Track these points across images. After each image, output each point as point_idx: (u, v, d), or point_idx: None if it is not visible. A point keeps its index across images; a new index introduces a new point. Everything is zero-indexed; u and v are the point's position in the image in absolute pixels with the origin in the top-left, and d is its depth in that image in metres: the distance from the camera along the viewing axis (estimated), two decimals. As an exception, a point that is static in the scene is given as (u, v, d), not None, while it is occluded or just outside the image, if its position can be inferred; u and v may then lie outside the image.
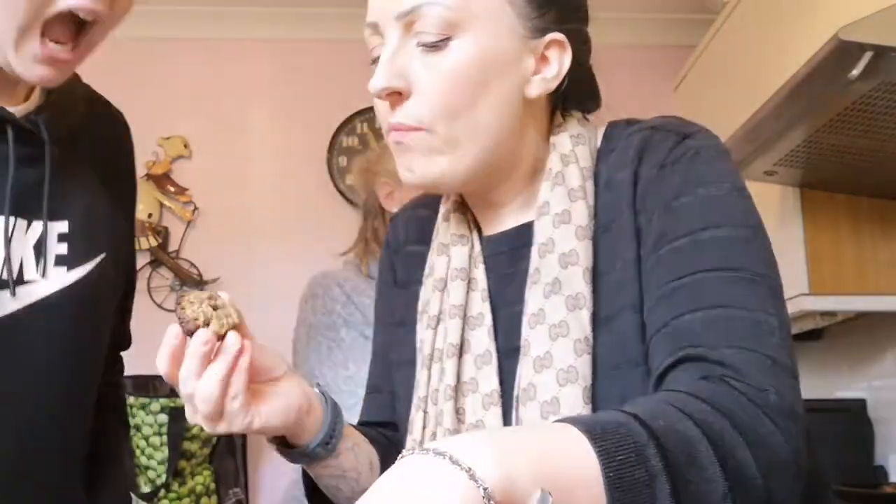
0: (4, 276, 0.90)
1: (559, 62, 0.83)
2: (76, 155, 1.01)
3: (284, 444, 0.86)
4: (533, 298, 0.80)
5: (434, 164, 0.81)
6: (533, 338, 0.78)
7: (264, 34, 3.16)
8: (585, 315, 0.77)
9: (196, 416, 0.76)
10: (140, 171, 3.01)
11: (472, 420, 0.81)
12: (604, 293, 0.79)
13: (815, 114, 1.68)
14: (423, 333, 0.88)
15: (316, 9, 3.12)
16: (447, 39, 0.79)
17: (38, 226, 0.94)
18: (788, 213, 2.11)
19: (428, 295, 0.89)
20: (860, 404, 2.41)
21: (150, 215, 3.00)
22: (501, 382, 0.82)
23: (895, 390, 2.33)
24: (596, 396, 0.76)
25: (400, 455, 0.54)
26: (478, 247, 0.88)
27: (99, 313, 1.02)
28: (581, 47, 0.86)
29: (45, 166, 0.94)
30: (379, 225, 1.84)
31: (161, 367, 0.77)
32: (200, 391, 0.74)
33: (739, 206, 0.78)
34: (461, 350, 0.84)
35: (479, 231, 0.90)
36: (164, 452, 2.50)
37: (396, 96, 0.81)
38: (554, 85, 0.83)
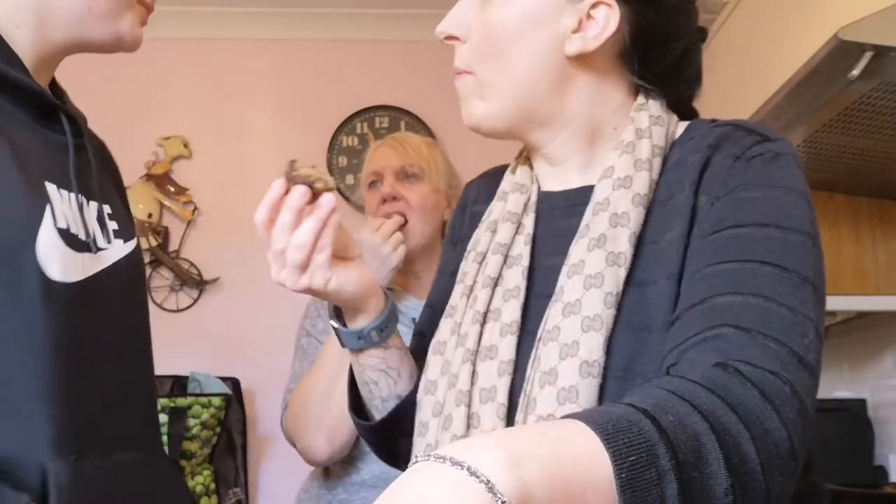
0: (87, 239, 0.99)
1: (605, 22, 0.87)
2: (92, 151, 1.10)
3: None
4: (577, 251, 0.84)
5: (475, 107, 0.91)
6: (568, 286, 0.82)
7: (264, 34, 3.16)
8: (622, 273, 0.81)
9: (282, 271, 0.86)
10: (140, 171, 3.03)
11: (487, 343, 0.86)
12: (644, 260, 0.82)
13: (815, 114, 1.68)
14: (468, 267, 0.94)
15: (316, 9, 3.12)
16: None
17: (94, 204, 1.03)
18: (788, 213, 2.11)
19: (480, 234, 0.95)
20: (860, 404, 2.41)
21: (150, 215, 3.00)
22: (525, 319, 0.86)
23: (895, 390, 2.33)
24: (611, 347, 0.79)
25: (413, 459, 0.54)
26: (534, 197, 0.94)
27: (144, 285, 1.14)
28: (649, 13, 0.89)
29: (90, 155, 1.04)
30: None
31: (260, 216, 0.85)
32: (295, 239, 0.84)
33: (805, 213, 0.80)
34: (496, 283, 0.89)
35: (540, 187, 0.96)
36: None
37: (455, 40, 0.91)
38: (594, 45, 0.87)
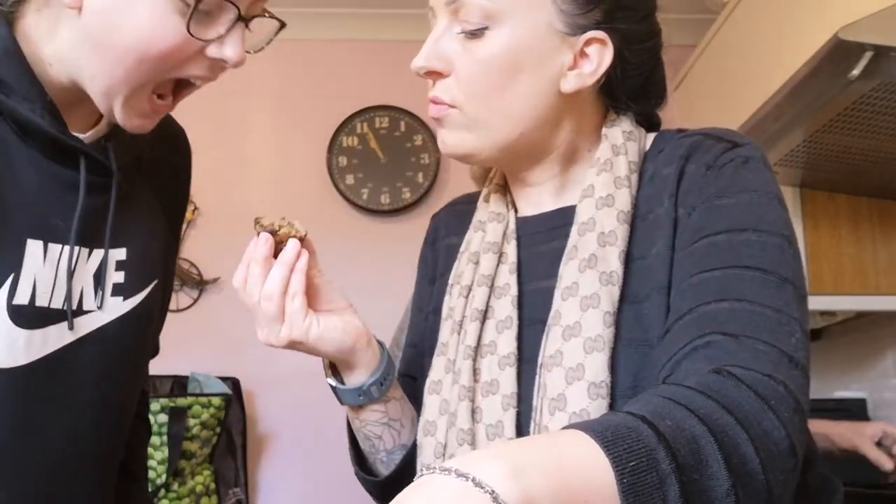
0: (64, 307, 0.90)
1: (599, 59, 0.87)
2: (139, 179, 1.01)
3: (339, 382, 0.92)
4: (568, 273, 0.84)
5: (463, 140, 0.89)
6: (564, 309, 0.82)
7: (264, 34, 3.16)
8: (616, 291, 0.81)
9: (262, 326, 0.85)
10: (140, 171, 3.03)
11: (486, 378, 0.85)
12: (634, 276, 0.83)
13: (815, 114, 1.68)
14: (453, 302, 0.92)
15: (316, 9, 3.12)
16: (485, 29, 0.84)
17: (98, 254, 0.94)
18: (788, 213, 2.11)
19: (462, 267, 0.94)
20: (860, 404, 2.41)
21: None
22: (520, 349, 0.85)
23: (895, 390, 2.33)
24: (615, 367, 0.79)
25: (419, 472, 0.54)
26: (512, 224, 0.94)
27: (147, 340, 1.03)
28: (633, 46, 0.89)
29: (111, 195, 0.94)
30: None
31: (237, 280, 0.86)
32: (264, 291, 0.84)
33: (779, 215, 0.82)
34: (485, 316, 0.88)
35: (517, 212, 0.95)
36: (164, 452, 2.50)
37: (436, 75, 0.89)
38: (590, 81, 0.87)
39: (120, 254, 0.96)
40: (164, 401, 2.52)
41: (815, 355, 2.70)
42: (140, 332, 0.99)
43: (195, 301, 3.00)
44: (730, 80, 2.12)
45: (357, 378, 0.90)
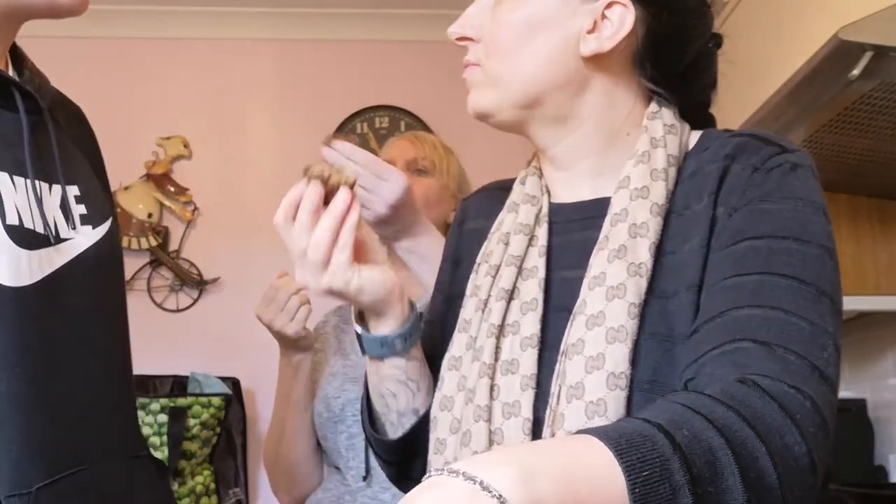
0: (45, 232, 0.92)
1: (619, 22, 0.87)
2: (60, 127, 1.03)
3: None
4: (597, 263, 0.83)
5: (482, 97, 0.91)
6: (590, 298, 0.81)
7: (265, 34, 3.16)
8: (643, 283, 0.80)
9: (304, 270, 0.86)
10: (140, 171, 3.03)
11: (507, 357, 0.85)
12: (664, 270, 0.82)
13: (815, 114, 1.68)
14: (480, 280, 0.92)
15: (316, 9, 3.12)
16: None
17: (57, 189, 0.97)
18: (788, 213, 2.11)
19: (492, 247, 0.94)
20: (860, 404, 2.40)
21: (150, 215, 3.00)
22: (543, 333, 0.85)
23: (895, 390, 2.33)
24: (636, 358, 0.78)
25: (427, 474, 0.55)
26: (545, 208, 0.93)
27: (122, 271, 1.07)
28: (663, 17, 0.88)
29: (50, 132, 0.97)
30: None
31: (279, 217, 0.87)
32: (313, 238, 0.84)
33: (823, 227, 0.80)
34: (510, 297, 0.88)
35: (550, 197, 0.95)
36: (164, 452, 2.50)
37: (468, 41, 0.93)
38: (609, 45, 0.87)
39: (75, 190, 0.99)
40: (164, 401, 2.52)
41: (815, 355, 2.68)
42: (114, 260, 1.04)
43: (195, 301, 2.99)
44: (729, 80, 2.12)
45: (383, 328, 0.90)
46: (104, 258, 1.00)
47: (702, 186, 0.84)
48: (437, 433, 0.89)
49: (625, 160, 0.88)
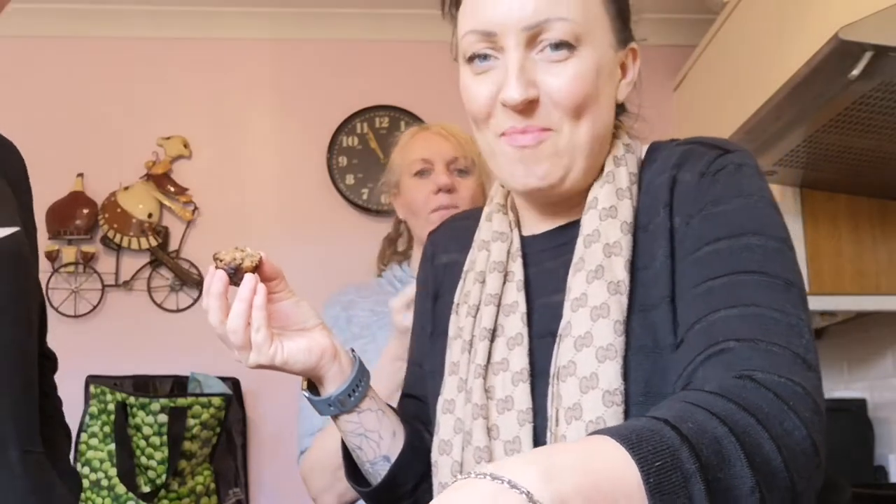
0: None
1: (634, 68, 0.94)
2: None
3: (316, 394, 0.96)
4: (576, 284, 0.85)
5: (559, 168, 0.87)
6: (575, 320, 0.83)
7: (264, 34, 3.16)
8: (624, 300, 0.83)
9: (233, 352, 0.91)
10: (140, 171, 3.03)
11: (500, 395, 0.87)
12: (641, 285, 0.84)
13: (815, 114, 1.68)
14: (462, 321, 0.94)
15: (316, 9, 3.12)
16: (571, 49, 0.85)
17: None
18: (788, 213, 2.11)
19: (469, 287, 0.96)
20: (860, 404, 2.40)
21: (150, 215, 3.00)
22: (532, 363, 0.87)
23: (895, 390, 2.33)
24: (627, 374, 0.80)
25: (453, 478, 0.58)
26: (517, 243, 0.95)
27: (28, 273, 1.10)
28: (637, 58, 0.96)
29: None
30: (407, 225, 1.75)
31: (204, 307, 0.92)
32: (228, 325, 0.89)
33: (775, 219, 0.84)
34: (494, 335, 0.90)
35: (520, 230, 0.97)
36: (164, 452, 2.50)
37: (532, 104, 0.86)
38: (630, 89, 0.93)
39: None
40: (164, 401, 2.51)
41: (815, 355, 2.68)
42: (23, 258, 1.08)
43: (195, 301, 2.99)
44: (730, 80, 2.12)
45: (328, 389, 0.94)
46: (14, 251, 1.04)
47: (656, 199, 0.87)
48: (439, 478, 0.91)
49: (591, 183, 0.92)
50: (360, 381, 0.95)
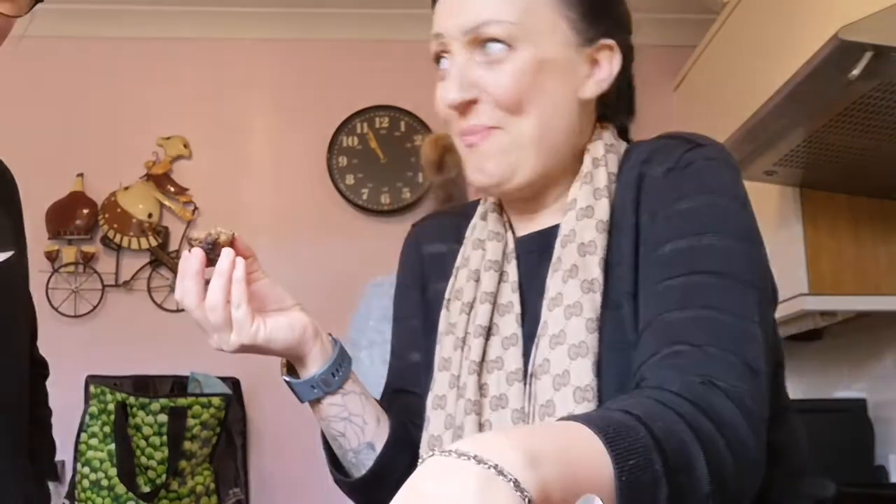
0: None
1: (610, 65, 0.91)
2: None
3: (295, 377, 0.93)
4: (553, 284, 0.86)
5: (505, 164, 0.88)
6: (550, 320, 0.84)
7: (264, 34, 3.16)
8: (597, 298, 0.83)
9: (212, 335, 0.87)
10: (140, 171, 3.03)
11: (495, 393, 0.86)
12: (613, 282, 0.85)
13: (815, 114, 1.68)
14: (454, 317, 0.93)
15: (316, 9, 3.12)
16: (509, 50, 0.86)
17: None
18: (788, 213, 2.11)
19: (461, 284, 0.95)
20: (860, 404, 2.40)
21: (150, 215, 3.00)
22: (525, 364, 0.86)
23: (895, 390, 2.33)
24: (601, 370, 0.81)
25: (430, 453, 0.54)
26: (511, 244, 0.94)
27: (21, 295, 1.14)
28: (626, 57, 0.93)
29: None
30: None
31: (177, 293, 0.87)
32: (207, 302, 0.85)
33: (741, 217, 0.83)
34: (489, 333, 0.89)
35: (514, 231, 0.96)
36: (164, 452, 2.50)
37: (467, 105, 0.88)
38: (605, 86, 0.91)
39: None
40: (164, 401, 2.52)
41: (815, 355, 2.71)
42: (18, 281, 1.12)
43: (195, 301, 3.00)
44: (730, 80, 2.12)
45: (310, 370, 0.91)
46: (10, 276, 1.07)
47: (626, 196, 0.87)
48: None
49: (558, 180, 0.92)
50: (342, 361, 0.92)
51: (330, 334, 0.94)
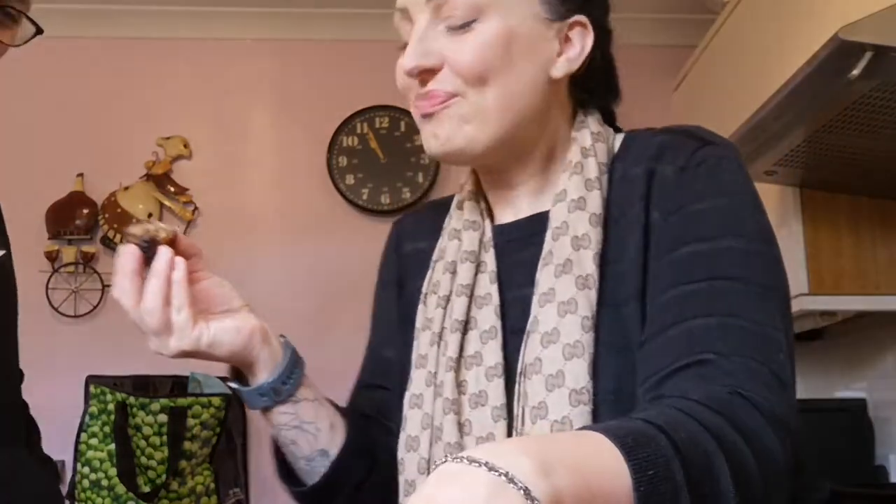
0: None
1: (581, 42, 0.87)
2: None
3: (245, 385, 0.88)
4: (544, 279, 0.83)
5: (461, 132, 0.85)
6: (542, 316, 0.81)
7: (264, 34, 3.16)
8: (593, 295, 0.80)
9: (151, 339, 0.81)
10: (140, 171, 3.03)
11: (473, 390, 0.83)
12: (610, 280, 0.82)
13: (815, 114, 1.68)
14: (431, 312, 0.90)
15: (316, 9, 3.12)
16: (473, 22, 0.83)
17: None
18: (788, 213, 2.11)
19: (438, 276, 0.91)
20: (860, 404, 2.40)
21: (150, 215, 3.00)
22: (505, 358, 0.84)
23: (895, 390, 2.33)
24: (597, 372, 0.78)
25: (443, 459, 0.54)
26: (489, 233, 0.91)
27: (14, 292, 1.16)
28: (601, 34, 0.90)
29: None
30: None
31: (114, 292, 0.81)
32: (144, 306, 0.79)
33: (758, 219, 0.81)
34: (466, 327, 0.86)
35: (492, 220, 0.93)
36: (164, 452, 2.50)
37: (428, 73, 0.86)
38: (577, 64, 0.87)
39: None
40: (164, 401, 2.52)
41: (815, 355, 2.70)
42: (11, 280, 1.14)
43: (195, 301, 3.00)
44: (730, 80, 2.12)
45: (260, 377, 0.86)
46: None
47: (631, 191, 0.84)
48: (405, 475, 0.87)
49: (560, 173, 0.88)
50: (294, 367, 0.87)
51: (283, 336, 0.88)
